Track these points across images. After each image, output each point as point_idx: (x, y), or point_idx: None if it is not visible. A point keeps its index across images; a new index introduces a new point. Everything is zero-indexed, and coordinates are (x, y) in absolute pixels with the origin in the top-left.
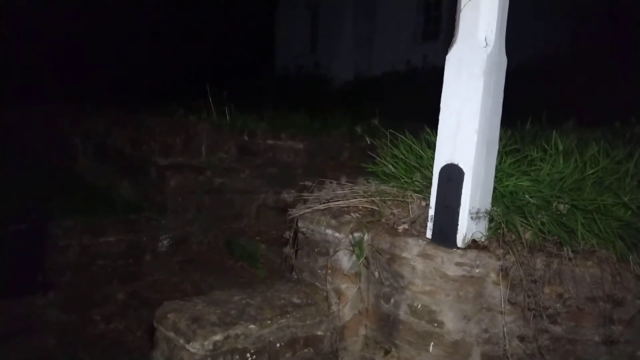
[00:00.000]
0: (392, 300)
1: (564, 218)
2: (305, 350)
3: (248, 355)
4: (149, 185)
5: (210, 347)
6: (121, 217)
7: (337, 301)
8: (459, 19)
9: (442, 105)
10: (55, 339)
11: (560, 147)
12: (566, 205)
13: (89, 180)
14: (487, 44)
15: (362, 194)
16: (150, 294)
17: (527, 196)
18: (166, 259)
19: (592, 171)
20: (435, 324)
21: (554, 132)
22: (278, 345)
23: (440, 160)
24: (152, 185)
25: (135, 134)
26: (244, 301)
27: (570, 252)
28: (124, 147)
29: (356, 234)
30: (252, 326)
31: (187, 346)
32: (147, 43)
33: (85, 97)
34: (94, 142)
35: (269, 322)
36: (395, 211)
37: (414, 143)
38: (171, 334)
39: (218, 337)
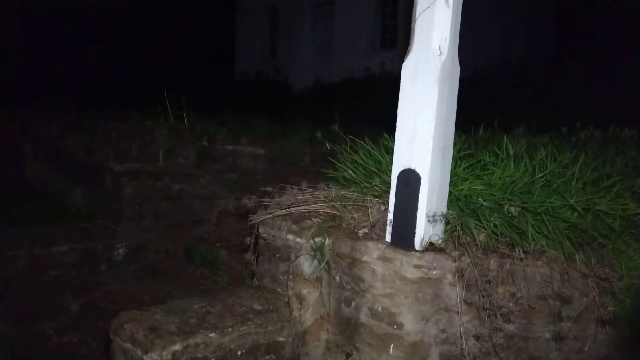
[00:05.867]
0: (353, 304)
1: (515, 220)
2: (267, 357)
3: None
4: (103, 192)
5: (169, 357)
6: (74, 226)
7: (299, 306)
8: (414, 29)
9: (399, 111)
10: (4, 353)
11: (511, 152)
12: (517, 208)
13: (39, 187)
14: (441, 53)
15: (323, 199)
16: (106, 304)
17: (480, 199)
18: (122, 268)
19: (541, 175)
20: (395, 326)
21: (505, 137)
22: (239, 352)
23: (398, 166)
24: (107, 192)
25: (89, 140)
26: (204, 309)
27: (521, 252)
28: (77, 152)
29: (317, 239)
30: (212, 335)
31: (145, 357)
32: (102, 46)
33: (36, 101)
34: (45, 147)
35: (229, 329)
36: (355, 216)
37: (373, 148)
38: (128, 345)
39: (177, 347)
